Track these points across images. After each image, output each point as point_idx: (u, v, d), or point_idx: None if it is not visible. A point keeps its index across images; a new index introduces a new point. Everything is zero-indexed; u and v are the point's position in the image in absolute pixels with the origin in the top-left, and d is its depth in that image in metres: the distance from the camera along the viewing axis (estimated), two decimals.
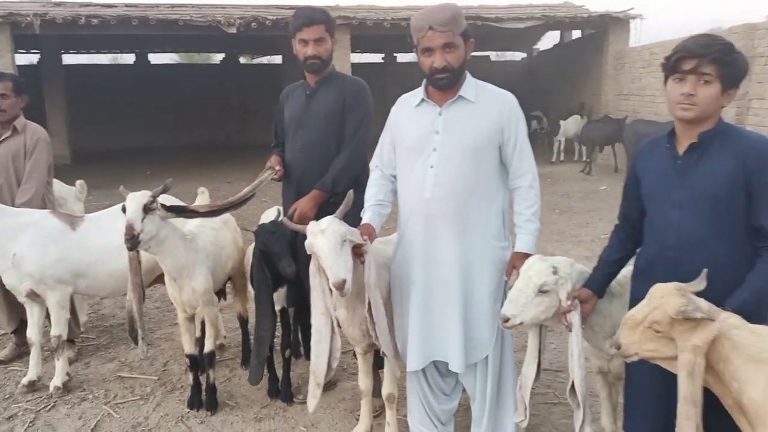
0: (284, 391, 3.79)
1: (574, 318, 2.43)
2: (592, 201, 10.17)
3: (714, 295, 2.05)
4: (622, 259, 2.51)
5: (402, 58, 23.14)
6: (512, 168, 2.78)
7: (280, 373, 3.84)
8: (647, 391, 2.31)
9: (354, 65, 12.97)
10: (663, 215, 2.26)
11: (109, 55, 25.50)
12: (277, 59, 22.07)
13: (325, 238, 2.56)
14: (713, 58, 2.08)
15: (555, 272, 2.44)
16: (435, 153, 2.70)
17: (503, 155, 2.77)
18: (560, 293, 2.44)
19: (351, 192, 2.85)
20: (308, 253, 2.66)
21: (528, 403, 2.68)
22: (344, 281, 2.51)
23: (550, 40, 21.07)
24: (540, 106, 17.63)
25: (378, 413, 3.47)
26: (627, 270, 2.56)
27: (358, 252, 2.69)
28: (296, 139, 3.52)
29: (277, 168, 3.53)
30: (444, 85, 2.66)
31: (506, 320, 2.44)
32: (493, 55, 26.24)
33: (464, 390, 3.07)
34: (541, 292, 2.42)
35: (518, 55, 24.81)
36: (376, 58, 23.76)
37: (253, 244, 3.50)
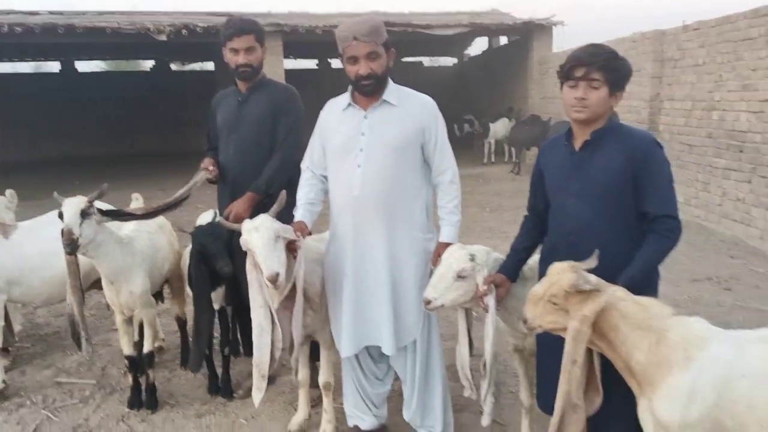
0: (224, 388, 3.90)
1: (490, 301, 2.67)
2: (520, 199, 10.53)
3: (608, 273, 2.32)
4: (530, 246, 2.77)
5: (336, 63, 23.33)
6: (434, 165, 3.00)
7: (220, 371, 3.95)
8: (553, 365, 2.55)
9: (288, 71, 13.10)
10: (562, 205, 2.53)
11: (33, 63, 24.65)
12: (209, 65, 21.88)
13: (259, 235, 2.72)
14: (600, 66, 2.36)
15: (472, 259, 2.68)
16: (362, 153, 2.90)
17: (425, 154, 2.99)
18: (477, 278, 2.68)
19: (284, 192, 3.02)
20: (244, 249, 2.81)
21: (471, 378, 2.92)
22: (277, 274, 2.68)
23: (480, 46, 21.71)
24: (471, 109, 18.13)
25: (315, 403, 3.63)
26: (537, 256, 2.83)
27: (291, 248, 2.86)
28: (229, 144, 3.66)
29: (211, 168, 3.65)
30: (369, 91, 2.87)
31: (428, 302, 2.66)
32: (426, 61, 26.76)
33: (397, 377, 3.27)
34: (460, 277, 2.66)
35: (450, 61, 25.40)
36: (311, 64, 23.90)
37: (190, 246, 3.61)
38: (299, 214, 3.05)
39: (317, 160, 3.11)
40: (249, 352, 4.32)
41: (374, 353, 3.20)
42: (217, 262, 3.36)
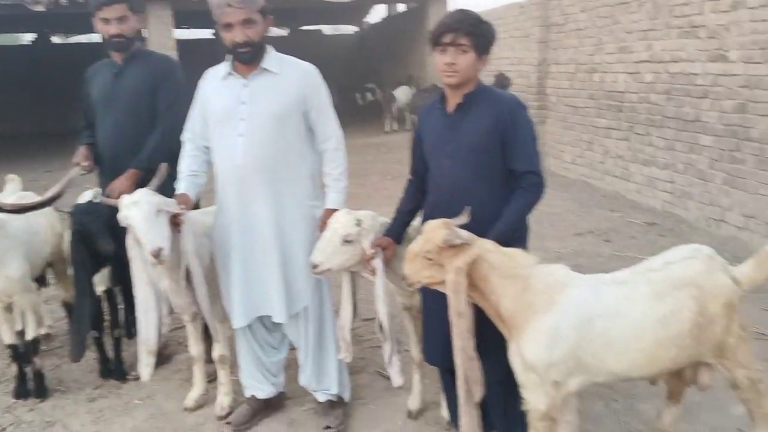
0: (117, 370, 3.81)
1: (378, 264, 2.74)
2: None
3: (482, 227, 2.44)
4: (414, 208, 2.84)
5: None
6: (318, 132, 3.02)
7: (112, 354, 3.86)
8: (435, 320, 2.67)
9: (181, 41, 12.56)
10: (438, 166, 2.62)
11: None
12: (97, 37, 20.67)
13: (138, 209, 2.66)
14: (466, 31, 2.44)
15: (358, 224, 2.73)
16: (243, 122, 2.87)
17: (309, 121, 2.99)
18: (363, 243, 2.74)
19: (164, 164, 2.95)
20: (123, 225, 2.74)
21: (350, 341, 2.98)
22: (160, 249, 2.63)
23: (380, 14, 21.65)
24: (373, 77, 18.15)
25: (212, 378, 3.61)
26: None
27: (175, 221, 2.82)
28: (106, 119, 3.52)
29: (85, 163, 3.50)
30: (247, 58, 2.83)
31: (315, 266, 2.70)
32: (327, 29, 26.46)
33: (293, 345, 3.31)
34: (346, 241, 2.71)
35: (352, 29, 25.24)
36: (207, 33, 23.08)
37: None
38: (182, 186, 2.99)
39: (198, 130, 3.06)
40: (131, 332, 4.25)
41: (267, 323, 3.22)
42: (97, 241, 3.24)
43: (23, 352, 3.59)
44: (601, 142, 7.89)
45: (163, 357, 3.96)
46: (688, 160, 6.24)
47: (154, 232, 2.64)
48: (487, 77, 12.71)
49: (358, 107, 17.14)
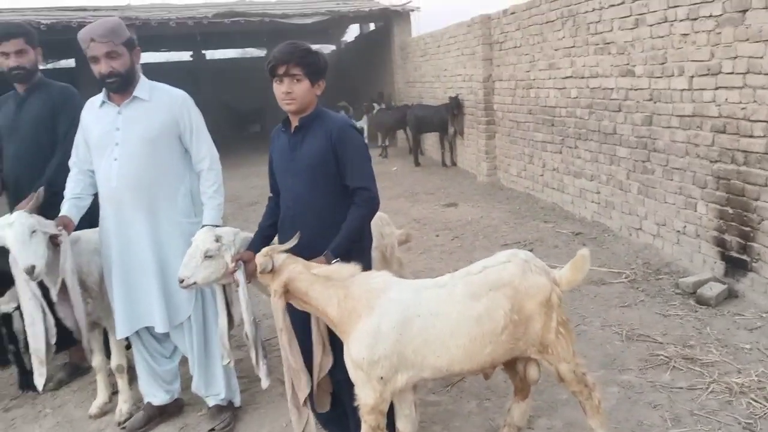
0: (32, 382, 4.01)
1: (240, 276, 2.96)
2: (381, 181, 10.89)
3: (323, 238, 2.70)
4: (274, 223, 3.06)
5: (211, 54, 23.05)
6: (193, 154, 3.26)
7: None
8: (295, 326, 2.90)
9: (161, 64, 12.67)
10: (284, 182, 2.87)
11: None
12: (71, 63, 20.97)
13: (12, 230, 2.90)
14: (296, 62, 2.69)
15: (218, 240, 2.96)
16: (117, 147, 3.12)
17: (184, 143, 3.24)
18: (226, 257, 2.97)
19: (41, 189, 3.19)
20: (0, 245, 2.97)
21: (229, 348, 3.19)
22: (33, 267, 2.87)
23: (355, 32, 22.04)
24: (350, 95, 18.43)
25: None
26: None
27: (55, 242, 3.05)
28: (9, 146, 3.78)
29: None
30: (114, 88, 3.09)
31: (181, 281, 2.93)
32: None
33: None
34: (208, 256, 2.93)
35: (330, 48, 25.65)
36: (186, 56, 23.48)
37: None
38: (65, 209, 3.23)
39: (82, 155, 3.30)
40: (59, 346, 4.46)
41: (157, 334, 3.44)
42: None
43: None
44: (540, 155, 8.16)
45: (82, 369, 4.19)
46: (610, 171, 6.50)
47: (27, 251, 2.87)
48: (439, 99, 12.89)
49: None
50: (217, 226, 3.16)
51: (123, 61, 3.06)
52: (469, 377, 3.73)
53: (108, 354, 3.65)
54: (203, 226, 3.17)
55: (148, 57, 20.69)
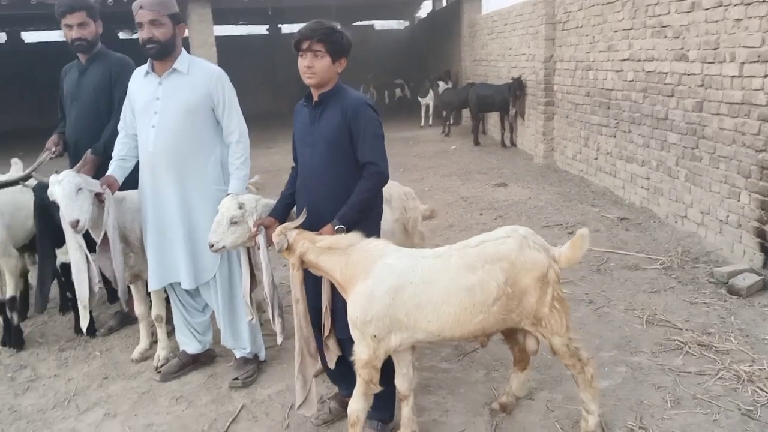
0: (88, 327, 4.43)
1: (260, 239, 3.20)
2: (436, 160, 11.12)
3: (335, 207, 2.89)
4: (294, 192, 3.28)
5: (286, 29, 23.51)
6: (224, 126, 3.52)
7: None
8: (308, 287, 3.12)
9: (239, 37, 12.67)
10: (302, 154, 3.07)
11: None
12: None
13: (61, 187, 3.24)
14: (319, 39, 2.86)
15: (241, 207, 3.20)
16: (156, 115, 3.41)
17: (217, 116, 3.50)
18: (248, 222, 3.21)
19: (89, 152, 3.53)
20: (52, 200, 3.33)
21: (251, 306, 3.46)
22: (77, 221, 3.21)
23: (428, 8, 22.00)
24: (419, 71, 18.33)
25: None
26: None
27: (100, 199, 3.39)
28: (71, 111, 4.15)
29: (54, 149, 4.13)
30: (153, 54, 3.37)
31: (212, 245, 3.20)
32: (379, 24, 26.98)
33: None
34: (233, 223, 3.18)
35: (403, 24, 25.71)
36: (262, 29, 24.06)
37: None
38: (111, 169, 3.57)
39: (129, 121, 3.62)
40: (112, 297, 4.90)
41: (189, 289, 3.74)
42: (56, 212, 3.85)
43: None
44: (595, 139, 8.05)
45: (131, 318, 4.59)
46: (660, 157, 6.39)
47: (73, 207, 3.21)
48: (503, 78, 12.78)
49: (386, 105, 17.35)
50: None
51: (164, 31, 3.33)
52: (481, 350, 3.88)
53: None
54: (228, 194, 3.42)
55: (225, 30, 21.37)
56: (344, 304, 2.84)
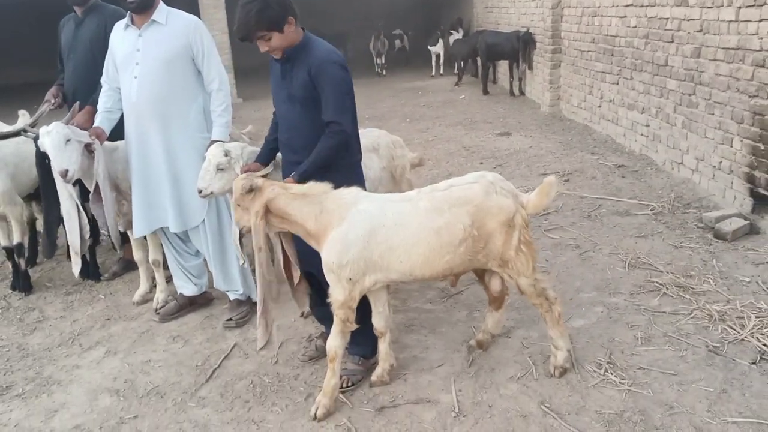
0: (92, 272, 4.67)
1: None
2: (443, 109, 11.11)
3: None
4: (277, 138, 3.38)
5: None
6: (204, 75, 3.61)
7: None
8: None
9: None
10: (279, 108, 3.14)
11: None
12: None
13: (50, 138, 3.39)
14: (254, 33, 2.82)
15: (226, 154, 3.31)
16: (137, 66, 3.52)
17: (197, 65, 3.59)
18: (235, 168, 3.33)
19: (77, 104, 3.65)
20: (42, 150, 3.48)
21: (243, 251, 3.61)
22: (66, 171, 3.37)
23: None
24: (432, 18, 17.89)
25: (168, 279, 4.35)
26: None
27: (89, 149, 3.53)
28: (69, 62, 4.27)
29: (53, 100, 4.26)
30: (133, 8, 3.47)
31: (200, 191, 3.33)
32: None
33: None
34: (219, 169, 3.30)
35: None
36: None
37: None
38: (97, 120, 3.70)
39: (111, 74, 3.72)
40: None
41: (182, 234, 3.90)
42: None
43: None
44: (599, 86, 8.00)
45: (134, 264, 4.78)
46: (659, 104, 6.36)
47: (62, 157, 3.35)
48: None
49: (406, 54, 17.04)
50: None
51: None
52: (465, 291, 4.03)
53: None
54: (212, 141, 3.52)
55: None
56: (308, 248, 2.95)
